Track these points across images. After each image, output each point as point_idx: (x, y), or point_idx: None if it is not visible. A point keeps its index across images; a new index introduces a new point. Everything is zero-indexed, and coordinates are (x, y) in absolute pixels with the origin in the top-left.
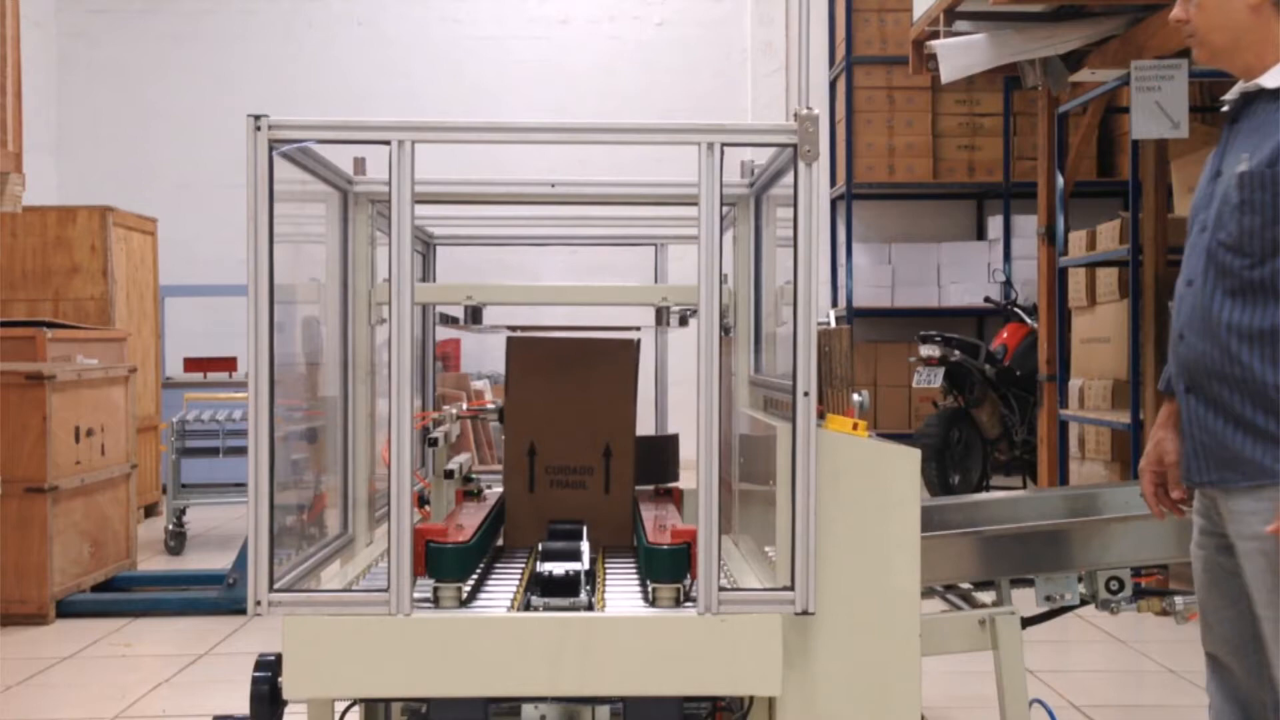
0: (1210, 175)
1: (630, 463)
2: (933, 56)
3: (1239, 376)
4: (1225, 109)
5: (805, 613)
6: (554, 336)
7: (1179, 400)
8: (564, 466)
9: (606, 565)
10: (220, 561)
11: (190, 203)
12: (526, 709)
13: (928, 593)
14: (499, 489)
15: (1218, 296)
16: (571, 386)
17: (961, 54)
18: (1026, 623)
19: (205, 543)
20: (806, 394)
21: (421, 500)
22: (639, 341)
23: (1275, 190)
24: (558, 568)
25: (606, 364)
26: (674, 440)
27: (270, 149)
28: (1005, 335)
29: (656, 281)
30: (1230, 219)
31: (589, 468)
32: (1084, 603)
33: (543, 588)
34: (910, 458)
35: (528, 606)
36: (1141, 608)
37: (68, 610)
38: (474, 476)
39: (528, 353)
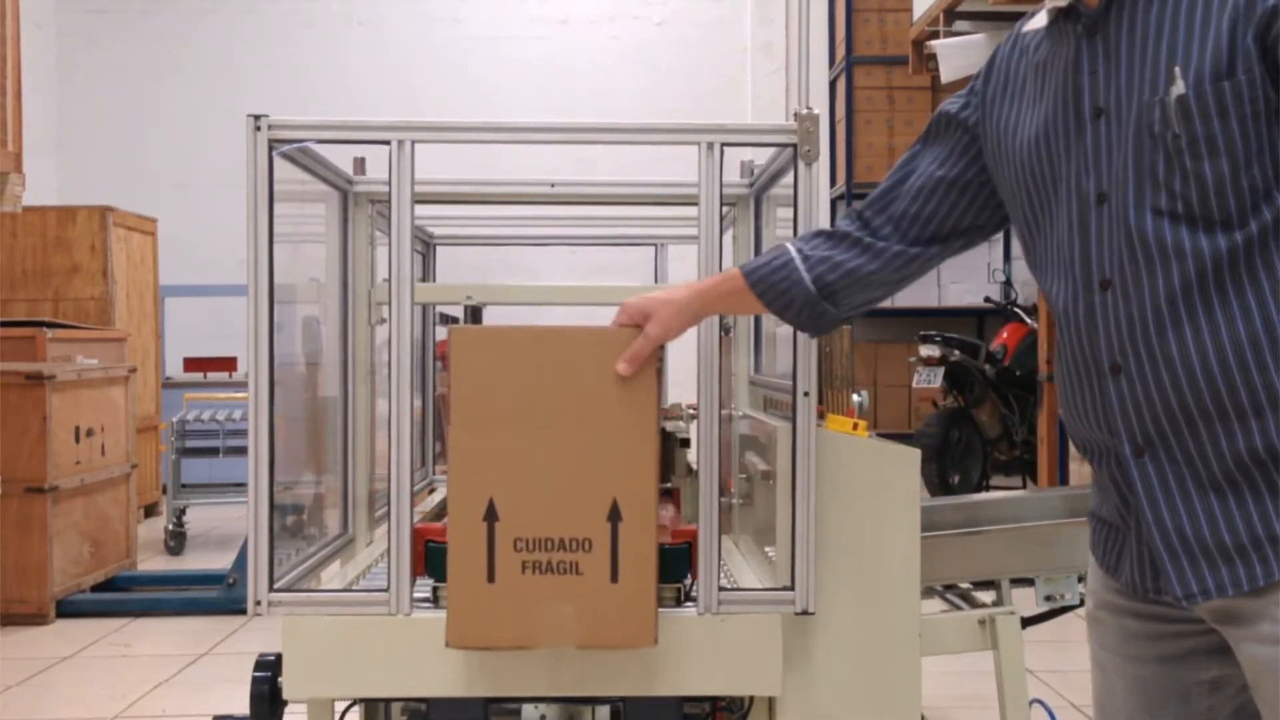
0: (1065, 116)
1: (652, 532)
2: (933, 56)
3: (1245, 409)
4: (1053, 17)
5: (805, 613)
6: (523, 327)
7: (1123, 469)
8: (543, 540)
9: None
10: (220, 561)
11: (190, 203)
12: (526, 709)
13: (928, 593)
14: None
15: (1175, 299)
16: (555, 407)
17: (961, 54)
18: (1026, 623)
19: (205, 543)
20: (806, 394)
21: None
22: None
23: (1242, 109)
24: None
25: (612, 371)
26: (673, 438)
27: (270, 149)
28: (1005, 335)
29: (656, 281)
30: (1171, 173)
31: (584, 541)
32: (1084, 603)
33: None
34: (910, 458)
35: None
36: None
37: (68, 610)
38: None
39: (483, 353)
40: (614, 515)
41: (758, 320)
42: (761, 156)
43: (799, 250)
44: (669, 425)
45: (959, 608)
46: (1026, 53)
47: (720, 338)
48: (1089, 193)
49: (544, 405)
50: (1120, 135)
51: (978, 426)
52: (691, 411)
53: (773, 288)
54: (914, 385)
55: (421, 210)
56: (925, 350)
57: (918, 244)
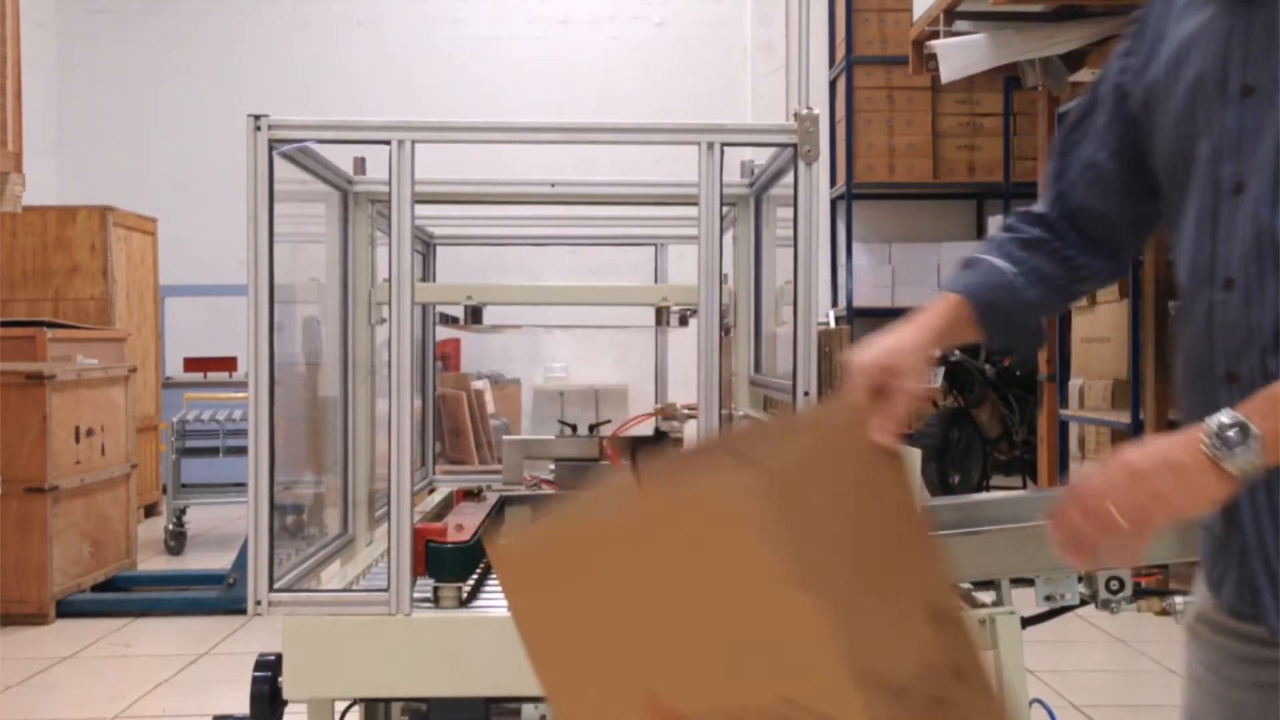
0: (1209, 89)
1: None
2: (933, 56)
3: None
4: None
5: None
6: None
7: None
8: (902, 689)
9: None
10: (220, 561)
11: (190, 203)
12: (526, 709)
13: None
14: (501, 489)
15: None
16: (823, 553)
17: (961, 54)
18: (1026, 623)
19: (205, 543)
20: (806, 394)
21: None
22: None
23: None
24: None
25: (865, 469)
26: (675, 441)
27: (270, 149)
28: None
29: (656, 281)
30: None
31: (945, 669)
32: (1084, 603)
33: None
34: (910, 458)
35: None
36: (1141, 608)
37: (68, 610)
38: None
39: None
40: (937, 620)
41: (758, 319)
42: (761, 156)
43: (1011, 268)
44: (664, 426)
45: None
46: (1177, 13)
47: (720, 338)
48: (1225, 179)
49: (815, 555)
50: (1269, 119)
51: (978, 426)
52: (689, 412)
53: (999, 314)
54: None
55: (421, 210)
56: None
57: (1108, 250)
